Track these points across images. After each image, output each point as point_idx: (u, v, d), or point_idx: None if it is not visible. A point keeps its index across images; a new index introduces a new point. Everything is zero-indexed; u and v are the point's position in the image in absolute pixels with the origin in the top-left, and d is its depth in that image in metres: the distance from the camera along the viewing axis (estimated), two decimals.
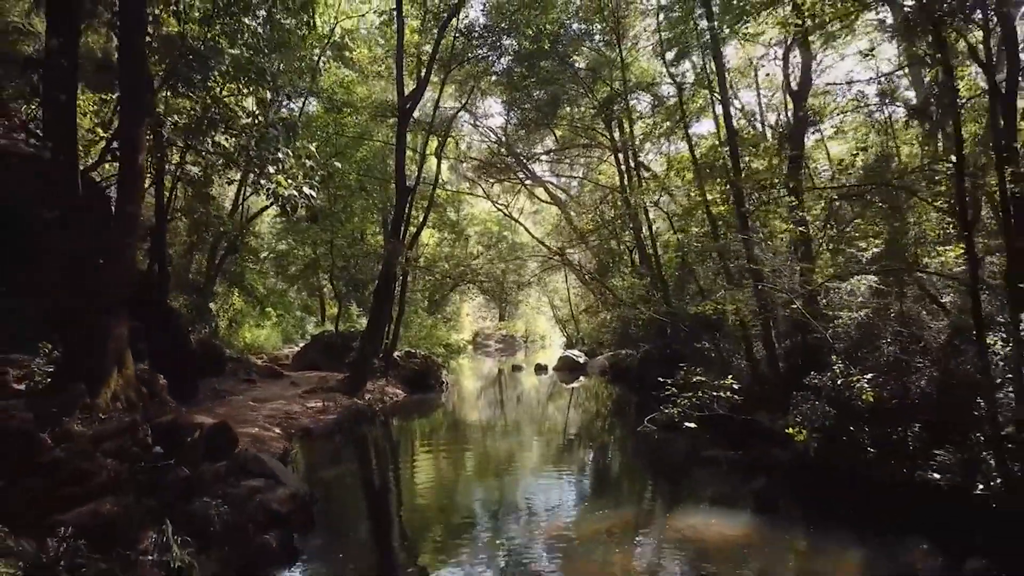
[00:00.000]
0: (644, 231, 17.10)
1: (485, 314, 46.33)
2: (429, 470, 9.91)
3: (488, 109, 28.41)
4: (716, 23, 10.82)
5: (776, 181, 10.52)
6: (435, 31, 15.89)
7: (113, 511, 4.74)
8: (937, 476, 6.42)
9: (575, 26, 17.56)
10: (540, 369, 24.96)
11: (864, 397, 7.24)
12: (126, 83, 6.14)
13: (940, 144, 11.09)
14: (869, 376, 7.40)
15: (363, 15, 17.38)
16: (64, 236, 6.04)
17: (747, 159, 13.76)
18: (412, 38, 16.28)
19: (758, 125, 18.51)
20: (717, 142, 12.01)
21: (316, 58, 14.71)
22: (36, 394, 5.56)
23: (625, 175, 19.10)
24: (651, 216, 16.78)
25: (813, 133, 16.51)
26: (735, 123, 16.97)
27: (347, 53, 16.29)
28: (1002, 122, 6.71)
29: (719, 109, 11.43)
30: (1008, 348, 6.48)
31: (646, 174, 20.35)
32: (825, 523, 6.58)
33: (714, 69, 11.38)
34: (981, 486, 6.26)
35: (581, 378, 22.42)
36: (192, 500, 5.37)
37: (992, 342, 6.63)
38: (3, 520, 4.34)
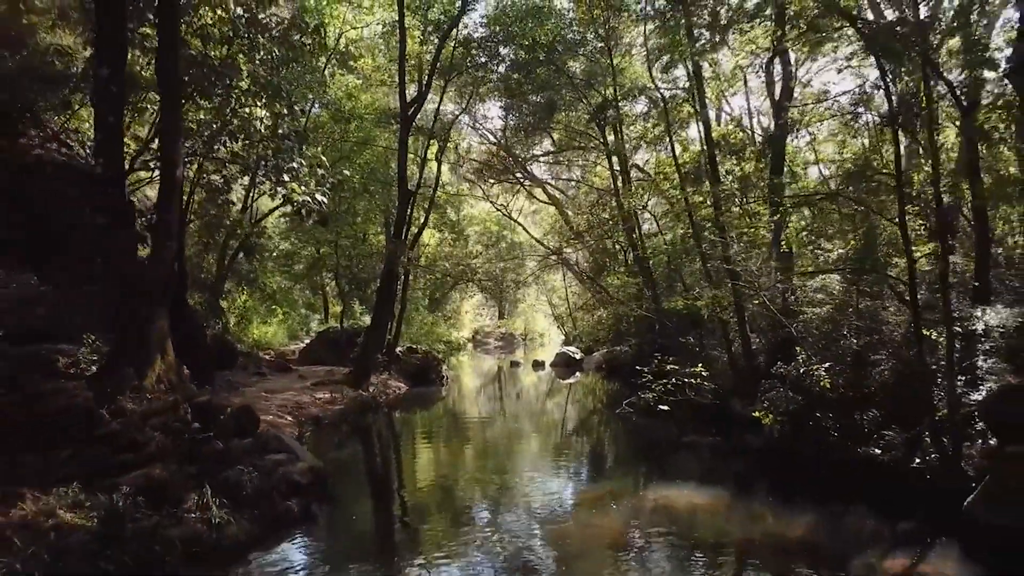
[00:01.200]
0: (635, 232, 17.90)
1: (484, 312, 47.05)
2: (430, 453, 10.75)
3: (487, 111, 29.20)
4: (695, 43, 11.59)
5: (741, 190, 11.38)
6: (435, 39, 16.72)
7: (162, 475, 5.56)
8: (878, 452, 7.24)
9: (569, 35, 18.29)
10: (538, 365, 25.78)
11: (822, 384, 8.06)
12: (165, 106, 6.95)
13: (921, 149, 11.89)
14: (827, 366, 8.21)
15: (367, 25, 18.17)
16: (113, 239, 6.85)
17: (734, 162, 14.67)
18: (414, 48, 17.07)
19: (754, 127, 19.38)
20: (700, 149, 12.78)
21: (323, 67, 15.48)
22: (92, 377, 6.37)
23: (618, 178, 19.89)
24: (642, 218, 17.58)
25: (794, 139, 17.39)
26: (724, 128, 17.83)
27: (352, 62, 17.06)
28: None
29: (703, 118, 12.17)
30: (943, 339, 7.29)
31: (640, 175, 21.15)
32: (783, 495, 7.40)
33: (697, 84, 12.12)
34: (918, 461, 7.11)
35: (577, 374, 23.20)
36: (226, 469, 6.19)
37: (929, 334, 7.43)
38: (73, 480, 5.18)
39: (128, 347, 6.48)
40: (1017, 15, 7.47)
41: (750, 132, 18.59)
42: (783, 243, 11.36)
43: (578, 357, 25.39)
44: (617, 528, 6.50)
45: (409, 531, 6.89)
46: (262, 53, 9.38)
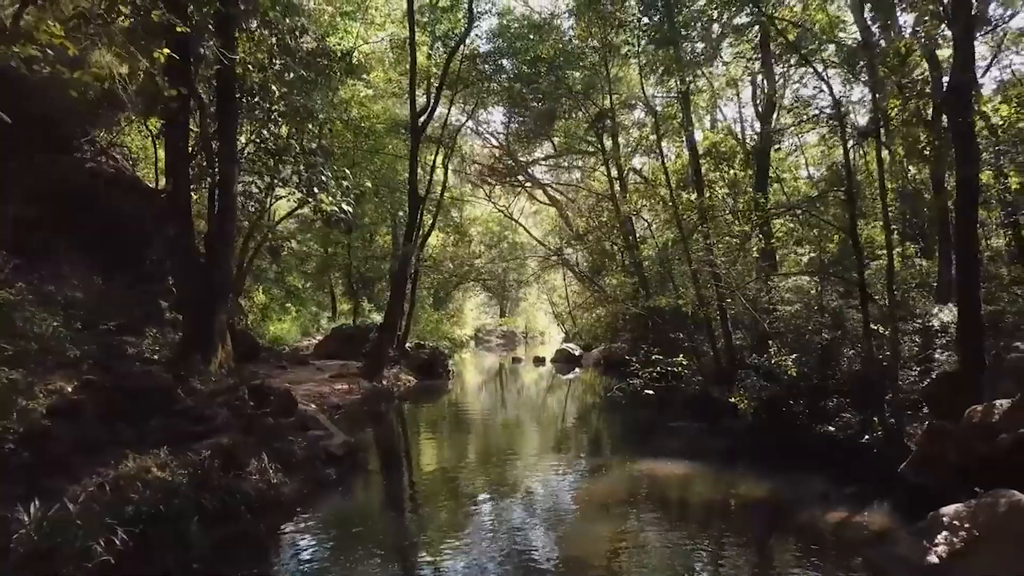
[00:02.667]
0: (631, 235, 19.02)
1: (486, 311, 48.10)
2: (442, 436, 11.92)
3: (490, 116, 30.28)
4: (681, 65, 12.71)
5: (731, 195, 12.53)
6: (443, 53, 17.85)
7: (229, 444, 6.70)
8: (835, 431, 8.38)
9: (569, 49, 19.38)
10: (538, 361, 26.90)
11: (790, 373, 9.21)
12: (223, 137, 8.10)
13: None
14: (794, 357, 9.35)
15: (379, 40, 19.27)
16: (182, 246, 8.00)
17: (724, 169, 15.78)
18: (422, 61, 18.18)
19: (746, 133, 20.45)
20: (689, 157, 13.91)
21: (337, 78, 16.55)
22: (168, 362, 7.52)
23: (615, 183, 21.01)
24: (636, 221, 18.71)
25: (784, 143, 18.53)
26: (715, 135, 18.90)
27: (365, 75, 18.15)
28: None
29: (689, 135, 13.29)
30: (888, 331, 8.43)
31: (638, 179, 22.25)
32: (753, 467, 8.54)
33: (684, 105, 13.25)
34: (867, 437, 8.25)
35: (577, 370, 24.30)
36: (278, 441, 7.34)
37: (877, 329, 8.57)
38: (162, 445, 6.33)
39: (196, 338, 7.63)
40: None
41: (740, 139, 19.70)
42: (766, 245, 12.54)
43: (577, 354, 26.50)
44: (606, 490, 7.67)
45: (428, 494, 8.05)
46: (293, 77, 10.51)
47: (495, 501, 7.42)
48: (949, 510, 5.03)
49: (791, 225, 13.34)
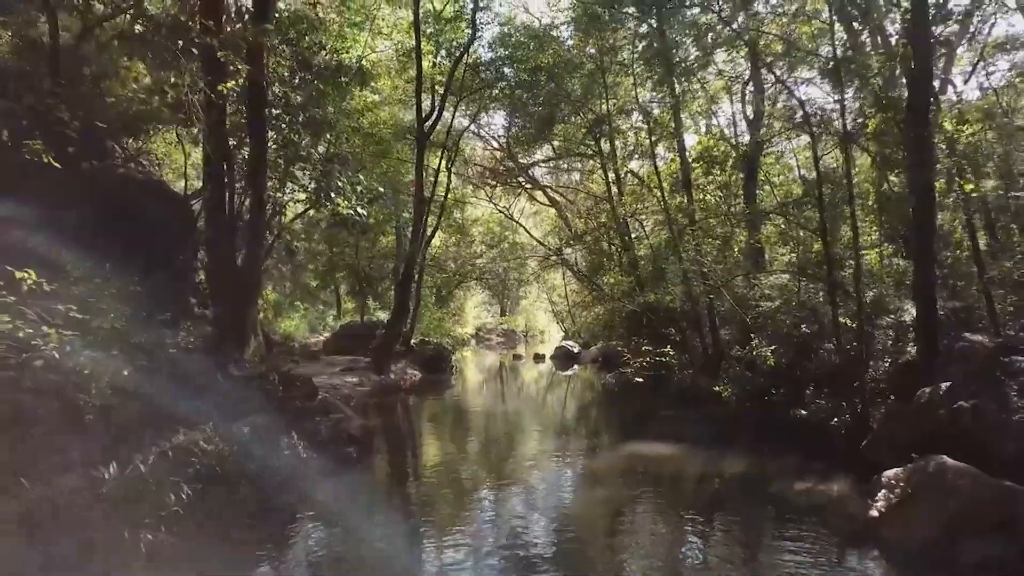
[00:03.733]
0: (628, 235, 19.86)
1: (487, 309, 48.90)
2: (448, 423, 12.77)
3: (492, 119, 30.94)
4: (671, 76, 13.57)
5: (723, 197, 13.39)
6: (447, 61, 18.70)
7: (265, 422, 7.55)
8: (806, 414, 9.24)
9: (568, 58, 20.22)
10: (538, 359, 27.77)
11: (768, 364, 10.06)
12: (254, 147, 8.93)
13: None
14: (772, 348, 10.20)
15: (385, 49, 20.13)
16: (218, 248, 8.86)
17: (717, 172, 16.63)
18: (427, 70, 19.03)
19: (738, 136, 21.28)
20: (680, 163, 14.78)
21: (350, 88, 17.39)
22: (208, 350, 8.36)
23: (612, 186, 21.84)
24: (632, 222, 19.56)
25: (776, 146, 19.37)
26: (708, 139, 19.72)
27: (373, 83, 18.98)
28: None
29: (679, 143, 14.15)
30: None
31: (635, 180, 23.08)
32: (733, 447, 9.40)
33: (674, 115, 14.11)
34: (837, 420, 9.11)
35: (575, 366, 25.16)
36: (305, 422, 8.20)
37: (845, 323, 9.42)
38: (208, 422, 7.16)
39: (232, 329, 8.47)
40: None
41: (734, 143, 20.55)
42: (752, 245, 13.40)
43: (576, 351, 27.35)
44: (599, 467, 8.55)
45: (437, 471, 8.91)
46: (311, 90, 11.37)
47: (497, 477, 8.29)
48: (889, 473, 5.89)
49: (783, 227, 14.22)
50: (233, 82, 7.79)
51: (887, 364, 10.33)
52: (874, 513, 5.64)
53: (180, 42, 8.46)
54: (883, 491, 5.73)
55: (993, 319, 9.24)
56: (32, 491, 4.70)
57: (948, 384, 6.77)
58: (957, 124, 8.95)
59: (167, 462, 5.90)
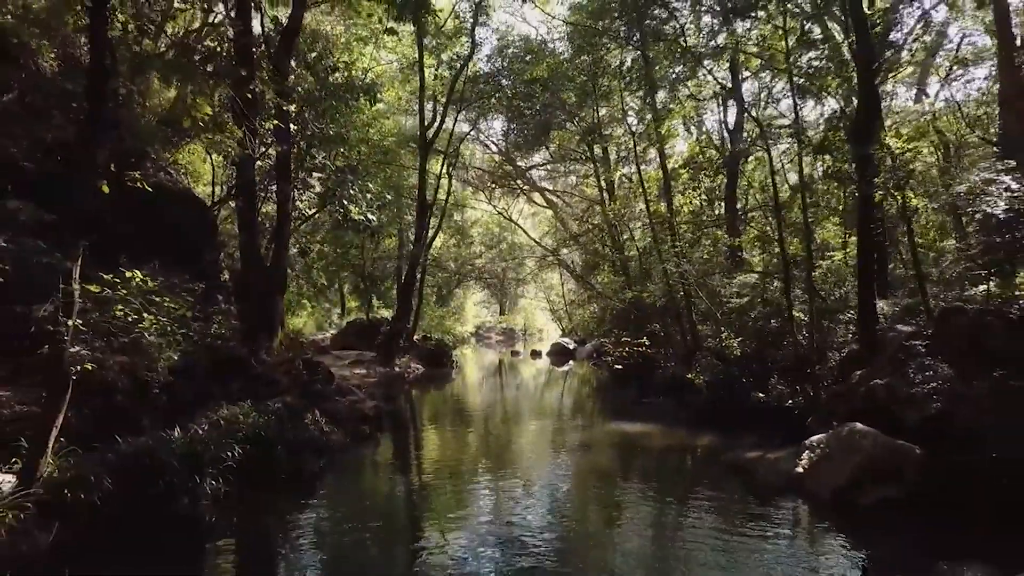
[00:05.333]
0: (618, 237, 21.09)
1: (487, 308, 50.09)
2: (450, 409, 14.01)
3: (491, 124, 32.08)
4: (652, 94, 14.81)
5: (708, 201, 14.66)
6: (449, 72, 19.95)
7: (292, 402, 8.79)
8: (764, 397, 10.48)
9: (561, 70, 21.44)
10: (535, 355, 29.00)
11: (733, 354, 11.28)
12: (280, 159, 10.16)
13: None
14: (739, 340, 11.43)
15: (390, 63, 21.40)
16: (250, 249, 10.11)
17: (700, 178, 17.87)
18: (429, 82, 20.28)
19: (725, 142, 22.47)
20: (662, 171, 16.01)
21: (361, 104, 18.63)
22: (242, 340, 9.60)
23: (605, 190, 23.06)
24: (622, 225, 20.79)
25: (745, 161, 20.59)
26: (696, 147, 20.92)
27: (378, 95, 20.25)
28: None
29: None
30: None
31: (625, 185, 24.31)
32: (700, 426, 10.63)
33: (655, 129, 15.36)
34: (792, 402, 10.34)
35: (570, 362, 26.37)
36: (326, 402, 9.45)
37: (798, 316, 10.65)
38: (245, 400, 8.41)
39: (262, 321, 9.71)
40: None
41: (721, 149, 21.74)
42: (732, 246, 14.65)
43: (571, 347, 28.57)
44: (585, 439, 9.81)
45: (441, 447, 10.16)
46: (327, 107, 12.61)
47: (492, 449, 9.54)
48: (814, 439, 7.15)
49: (753, 231, 15.48)
50: (269, 122, 8.95)
51: (841, 354, 11.58)
52: (799, 469, 6.88)
53: (211, 67, 9.74)
54: (807, 452, 6.98)
55: (928, 314, 10.45)
56: (123, 446, 5.95)
57: (870, 368, 8.00)
58: (899, 140, 10.13)
59: (218, 429, 7.15)
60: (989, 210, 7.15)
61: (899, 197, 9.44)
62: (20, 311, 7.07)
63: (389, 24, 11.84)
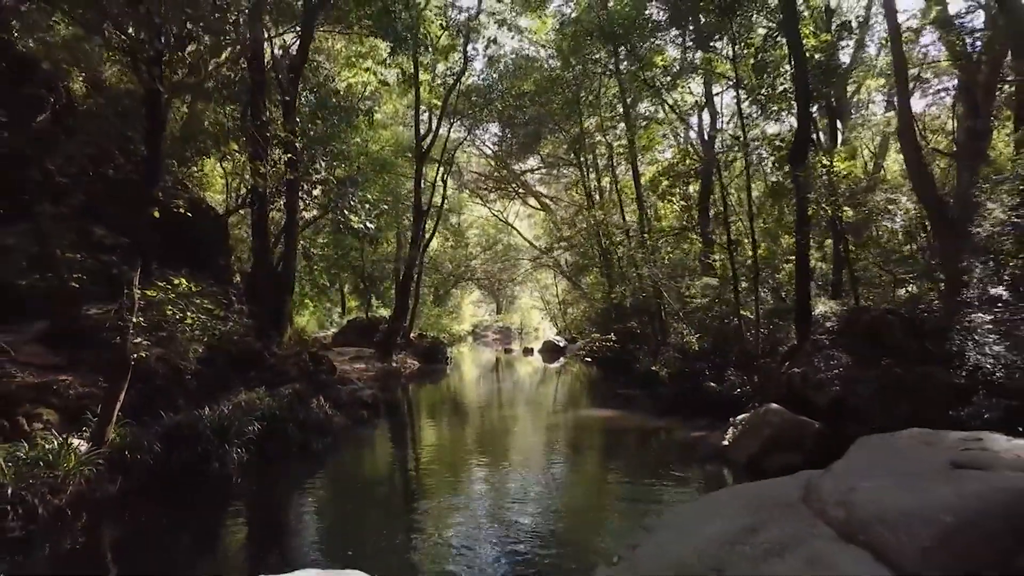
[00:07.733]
0: (603, 241, 22.46)
1: (484, 308, 51.41)
2: (444, 399, 15.39)
3: (485, 131, 33.33)
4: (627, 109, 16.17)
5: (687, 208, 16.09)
6: (443, 86, 21.30)
7: (300, 389, 10.16)
8: (714, 385, 11.85)
9: (549, 81, 22.80)
10: (527, 352, 30.36)
11: (691, 349, 12.65)
12: (291, 184, 11.58)
13: None
14: (697, 336, 12.79)
15: (387, 75, 22.74)
16: (262, 253, 11.49)
17: (678, 186, 19.23)
18: (425, 95, 21.63)
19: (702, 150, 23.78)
20: (634, 182, 17.39)
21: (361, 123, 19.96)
22: (255, 335, 10.97)
23: (592, 196, 24.40)
24: (606, 229, 22.17)
25: (718, 170, 21.92)
26: (676, 156, 22.21)
27: (376, 107, 21.59)
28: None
29: (633, 167, 16.73)
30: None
31: (608, 191, 25.67)
32: (661, 413, 11.98)
33: (630, 141, 16.72)
34: (740, 390, 11.71)
35: (561, 359, 27.69)
36: (330, 390, 10.82)
37: (746, 314, 12.02)
38: (260, 386, 9.78)
39: (273, 318, 11.09)
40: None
41: (701, 156, 23.08)
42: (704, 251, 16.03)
43: (562, 345, 29.92)
44: (560, 422, 11.20)
45: (435, 432, 11.53)
46: (330, 127, 13.97)
47: (480, 432, 10.92)
48: (739, 417, 8.52)
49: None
50: (280, 152, 10.33)
51: (786, 348, 12.95)
52: (725, 442, 8.26)
53: (225, 92, 11.14)
54: (732, 428, 8.35)
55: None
56: (167, 419, 7.32)
57: (794, 359, 9.37)
58: (838, 159, 11.47)
59: (240, 409, 8.53)
60: (889, 225, 8.49)
61: (830, 211, 10.78)
62: (74, 312, 8.47)
63: (386, 55, 13.12)
